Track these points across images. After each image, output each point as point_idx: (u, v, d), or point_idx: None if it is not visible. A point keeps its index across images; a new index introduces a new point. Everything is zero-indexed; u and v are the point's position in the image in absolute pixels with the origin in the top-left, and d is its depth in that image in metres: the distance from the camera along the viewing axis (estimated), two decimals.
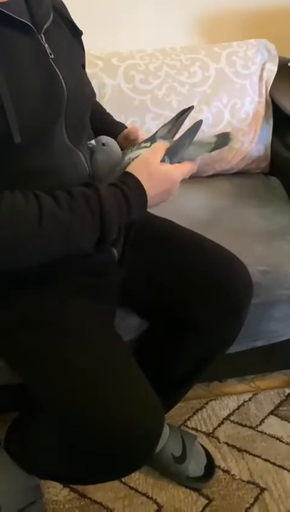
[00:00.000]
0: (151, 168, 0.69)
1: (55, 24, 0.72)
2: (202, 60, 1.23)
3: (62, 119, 0.69)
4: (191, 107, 0.78)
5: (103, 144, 0.70)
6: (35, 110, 0.63)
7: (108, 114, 0.95)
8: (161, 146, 0.71)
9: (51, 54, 0.67)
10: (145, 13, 1.33)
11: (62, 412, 0.69)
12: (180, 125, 0.78)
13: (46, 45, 0.67)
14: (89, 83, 0.82)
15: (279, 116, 1.28)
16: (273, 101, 1.28)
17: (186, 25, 1.41)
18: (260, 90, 1.26)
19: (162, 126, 0.78)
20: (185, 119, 0.78)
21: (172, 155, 0.72)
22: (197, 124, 0.74)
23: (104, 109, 0.96)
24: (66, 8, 0.79)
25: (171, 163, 0.72)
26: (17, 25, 0.64)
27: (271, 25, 1.42)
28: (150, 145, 0.73)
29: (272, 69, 1.27)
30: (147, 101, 1.18)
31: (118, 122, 0.91)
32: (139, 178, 0.68)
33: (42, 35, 0.67)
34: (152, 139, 0.75)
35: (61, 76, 0.68)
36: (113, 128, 0.85)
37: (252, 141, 1.27)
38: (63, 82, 0.68)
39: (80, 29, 0.79)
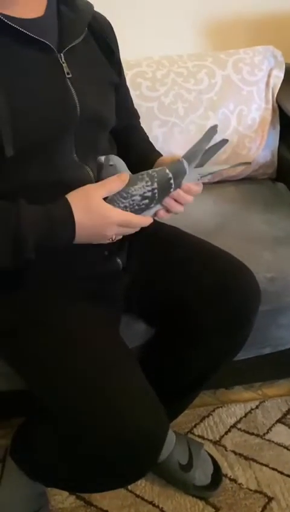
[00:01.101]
0: (88, 199, 0.66)
1: (85, 43, 0.74)
2: (208, 67, 1.23)
3: (71, 136, 0.70)
4: (215, 128, 0.74)
5: (111, 165, 0.70)
6: (36, 125, 0.65)
7: (145, 143, 0.93)
8: (114, 179, 0.68)
9: (68, 73, 0.69)
10: (152, 21, 1.34)
11: (64, 418, 0.69)
12: (212, 155, 0.73)
13: (64, 64, 0.69)
14: (112, 105, 0.80)
15: (286, 122, 1.28)
16: (280, 107, 1.28)
17: (193, 32, 1.41)
18: (266, 96, 1.26)
19: (189, 150, 0.73)
20: (219, 149, 0.73)
21: (191, 160, 0.72)
22: (213, 129, 0.73)
23: (144, 136, 0.95)
24: (109, 28, 0.81)
25: (190, 167, 0.71)
26: (35, 43, 0.66)
27: (278, 31, 1.43)
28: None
29: (278, 75, 1.27)
30: (154, 108, 1.19)
31: (151, 154, 0.86)
32: (72, 202, 0.65)
33: (62, 55, 0.69)
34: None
35: (75, 95, 0.69)
36: (144, 159, 0.82)
37: (259, 147, 1.27)
38: (76, 101, 0.69)
39: (116, 52, 0.81)
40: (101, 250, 0.76)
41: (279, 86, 1.27)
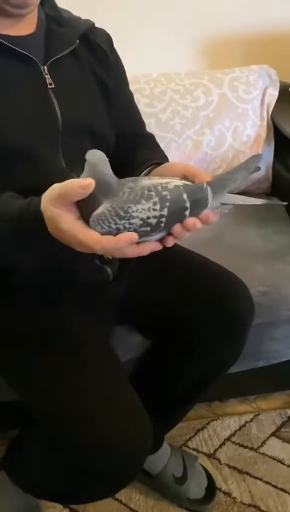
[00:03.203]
0: (45, 213, 0.55)
1: (75, 56, 0.76)
2: (205, 85, 1.26)
3: (57, 144, 0.72)
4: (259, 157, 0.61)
5: (85, 160, 0.54)
6: (16, 134, 0.67)
7: (152, 150, 0.86)
8: (72, 188, 0.52)
9: (51, 84, 0.72)
10: (150, 39, 1.38)
11: (49, 427, 0.70)
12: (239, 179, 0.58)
13: (47, 75, 0.72)
14: (105, 116, 0.79)
15: (280, 139, 1.31)
16: (274, 125, 1.31)
17: (191, 50, 1.45)
18: (261, 114, 1.29)
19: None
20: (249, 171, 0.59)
21: (218, 190, 0.56)
22: (255, 158, 0.60)
23: (151, 144, 0.89)
24: (107, 40, 0.81)
25: (213, 198, 0.56)
26: (19, 56, 0.70)
27: (272, 50, 1.47)
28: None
29: (273, 93, 1.30)
30: (151, 124, 1.21)
31: (148, 161, 0.76)
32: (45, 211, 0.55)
33: (45, 67, 0.72)
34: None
35: (57, 106, 0.71)
36: (137, 167, 0.76)
37: None
38: (58, 111, 0.71)
39: (112, 59, 0.81)
40: (92, 258, 0.75)
41: (273, 103, 1.30)
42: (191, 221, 0.56)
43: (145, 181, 0.57)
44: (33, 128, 0.70)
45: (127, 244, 0.53)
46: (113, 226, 0.53)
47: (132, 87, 1.21)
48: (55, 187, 0.55)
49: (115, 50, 0.85)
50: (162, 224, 0.54)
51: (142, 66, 1.29)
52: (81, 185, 0.52)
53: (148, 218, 0.53)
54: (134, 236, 0.53)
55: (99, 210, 0.53)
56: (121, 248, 0.53)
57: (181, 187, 0.56)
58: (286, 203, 0.67)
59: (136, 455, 0.67)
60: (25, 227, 0.58)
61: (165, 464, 0.99)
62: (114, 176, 0.55)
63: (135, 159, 0.80)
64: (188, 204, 0.55)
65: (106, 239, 0.53)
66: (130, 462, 0.67)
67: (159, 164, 0.73)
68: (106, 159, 0.55)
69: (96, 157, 0.54)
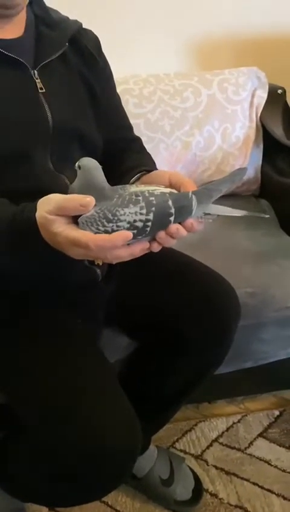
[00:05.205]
0: (40, 219, 0.57)
1: (63, 59, 0.76)
2: (194, 86, 1.27)
3: (46, 147, 0.72)
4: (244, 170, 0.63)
5: (79, 167, 0.57)
6: (7, 138, 0.67)
7: (141, 154, 0.86)
8: (73, 203, 0.55)
9: (42, 89, 0.72)
10: (140, 40, 1.38)
11: (38, 430, 0.69)
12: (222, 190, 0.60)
13: (38, 80, 0.72)
14: (92, 120, 0.79)
15: (269, 140, 1.32)
16: (263, 126, 1.32)
17: (180, 52, 1.45)
18: (250, 115, 1.30)
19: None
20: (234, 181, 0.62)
21: (203, 200, 0.58)
22: (240, 171, 0.62)
23: (139, 149, 0.89)
24: (95, 44, 0.81)
25: (197, 208, 0.58)
26: (9, 60, 0.69)
27: (262, 53, 1.48)
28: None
29: (262, 95, 1.31)
30: (140, 124, 1.21)
31: (136, 168, 0.76)
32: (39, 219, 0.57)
33: (36, 71, 0.72)
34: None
35: (48, 109, 0.71)
36: (126, 172, 0.76)
37: (243, 165, 1.30)
38: (49, 114, 0.72)
39: (101, 62, 0.81)
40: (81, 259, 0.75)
41: (262, 105, 1.31)
42: (174, 227, 0.58)
43: (133, 188, 0.60)
44: (24, 132, 0.70)
45: (122, 242, 0.54)
46: (101, 229, 0.55)
47: (120, 88, 1.22)
48: (52, 198, 0.56)
49: (103, 53, 0.85)
50: (148, 229, 0.56)
51: (132, 67, 1.29)
52: (83, 202, 0.54)
53: (134, 221, 0.56)
54: (129, 234, 0.54)
55: (88, 213, 0.55)
56: (116, 246, 0.54)
57: (167, 194, 0.59)
58: (268, 216, 0.69)
59: (126, 458, 0.67)
60: (17, 230, 0.59)
61: (151, 465, 0.99)
62: (107, 183, 0.58)
63: (123, 163, 0.80)
64: (173, 210, 0.57)
65: (100, 236, 0.54)
66: (119, 465, 0.66)
67: (148, 171, 0.74)
68: (100, 167, 0.58)
69: (91, 164, 0.57)
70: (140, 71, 1.29)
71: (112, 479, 0.68)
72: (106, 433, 0.64)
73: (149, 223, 0.56)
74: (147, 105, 1.23)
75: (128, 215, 0.55)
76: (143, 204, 0.56)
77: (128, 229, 0.55)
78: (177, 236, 0.59)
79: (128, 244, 0.56)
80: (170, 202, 0.57)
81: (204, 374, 0.91)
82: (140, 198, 0.56)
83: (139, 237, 0.56)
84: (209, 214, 0.61)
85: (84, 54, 0.79)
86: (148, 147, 1.21)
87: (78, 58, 0.78)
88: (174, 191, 0.62)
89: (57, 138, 0.72)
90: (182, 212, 0.58)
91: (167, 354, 0.86)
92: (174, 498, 0.98)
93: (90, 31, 0.83)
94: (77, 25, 0.80)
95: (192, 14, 1.40)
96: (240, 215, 0.64)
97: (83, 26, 0.81)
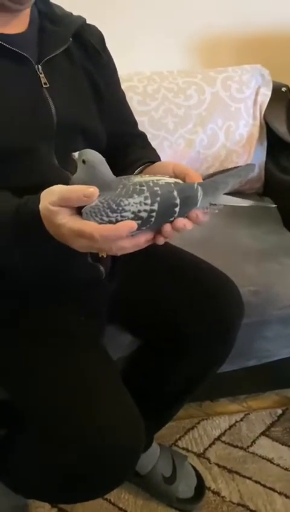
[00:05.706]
0: (43, 210, 0.56)
1: (67, 54, 0.76)
2: (198, 83, 1.26)
3: (50, 142, 0.72)
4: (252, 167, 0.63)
5: (84, 161, 0.56)
6: (12, 133, 0.67)
7: (146, 149, 0.86)
8: (77, 195, 0.54)
9: (46, 84, 0.71)
10: (144, 38, 1.37)
11: (41, 428, 0.69)
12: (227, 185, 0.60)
13: (42, 75, 0.71)
14: (96, 115, 0.79)
15: (273, 138, 1.32)
16: (267, 124, 1.31)
17: (184, 49, 1.45)
18: (254, 113, 1.30)
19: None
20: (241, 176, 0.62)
21: (208, 192, 0.57)
22: (249, 167, 0.62)
23: (144, 144, 0.88)
24: (99, 39, 0.81)
25: (203, 199, 0.57)
26: (13, 55, 0.69)
27: (266, 50, 1.47)
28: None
29: (266, 93, 1.30)
30: (145, 122, 1.21)
31: (140, 160, 0.76)
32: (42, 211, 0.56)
33: (40, 66, 0.72)
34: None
35: (52, 105, 0.71)
36: (130, 165, 0.75)
37: (246, 162, 1.30)
38: (53, 110, 0.71)
39: (105, 57, 0.80)
40: (84, 256, 0.74)
41: (266, 103, 1.30)
42: (181, 222, 0.57)
43: (137, 178, 0.58)
44: (29, 128, 0.70)
45: (127, 232, 0.53)
46: (105, 219, 0.53)
47: (124, 85, 1.21)
48: (56, 189, 0.55)
49: (107, 49, 0.84)
50: (153, 219, 0.55)
51: (136, 64, 1.29)
52: (86, 193, 0.53)
53: (139, 211, 0.54)
54: (133, 224, 0.53)
55: (92, 203, 0.54)
56: (121, 236, 0.53)
57: (172, 184, 0.57)
58: (275, 205, 0.68)
59: (130, 455, 0.67)
60: (21, 222, 0.58)
61: (154, 463, 0.99)
62: (112, 174, 0.57)
63: (127, 157, 0.79)
64: (178, 201, 0.56)
65: (105, 227, 0.53)
66: (123, 463, 0.66)
67: (152, 163, 0.74)
68: (104, 160, 0.57)
69: (96, 159, 0.56)
70: (144, 69, 1.28)
71: (115, 476, 0.68)
72: (109, 431, 0.64)
73: (154, 214, 0.55)
74: (151, 103, 1.23)
75: (132, 205, 0.54)
76: (148, 194, 0.55)
77: (132, 219, 0.54)
78: (184, 230, 0.58)
79: (132, 236, 0.55)
80: (175, 193, 0.56)
81: (207, 372, 0.91)
82: (144, 188, 0.55)
83: (144, 228, 0.55)
84: (215, 204, 0.59)
85: (88, 49, 0.79)
86: (152, 144, 1.22)
87: (82, 53, 0.78)
88: (179, 181, 0.60)
89: (61, 133, 0.72)
90: (187, 203, 0.56)
91: (170, 351, 0.86)
92: (177, 496, 0.99)
93: (94, 26, 0.83)
94: (81, 20, 0.79)
95: (195, 11, 1.40)
96: (246, 205, 0.63)
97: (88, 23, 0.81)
